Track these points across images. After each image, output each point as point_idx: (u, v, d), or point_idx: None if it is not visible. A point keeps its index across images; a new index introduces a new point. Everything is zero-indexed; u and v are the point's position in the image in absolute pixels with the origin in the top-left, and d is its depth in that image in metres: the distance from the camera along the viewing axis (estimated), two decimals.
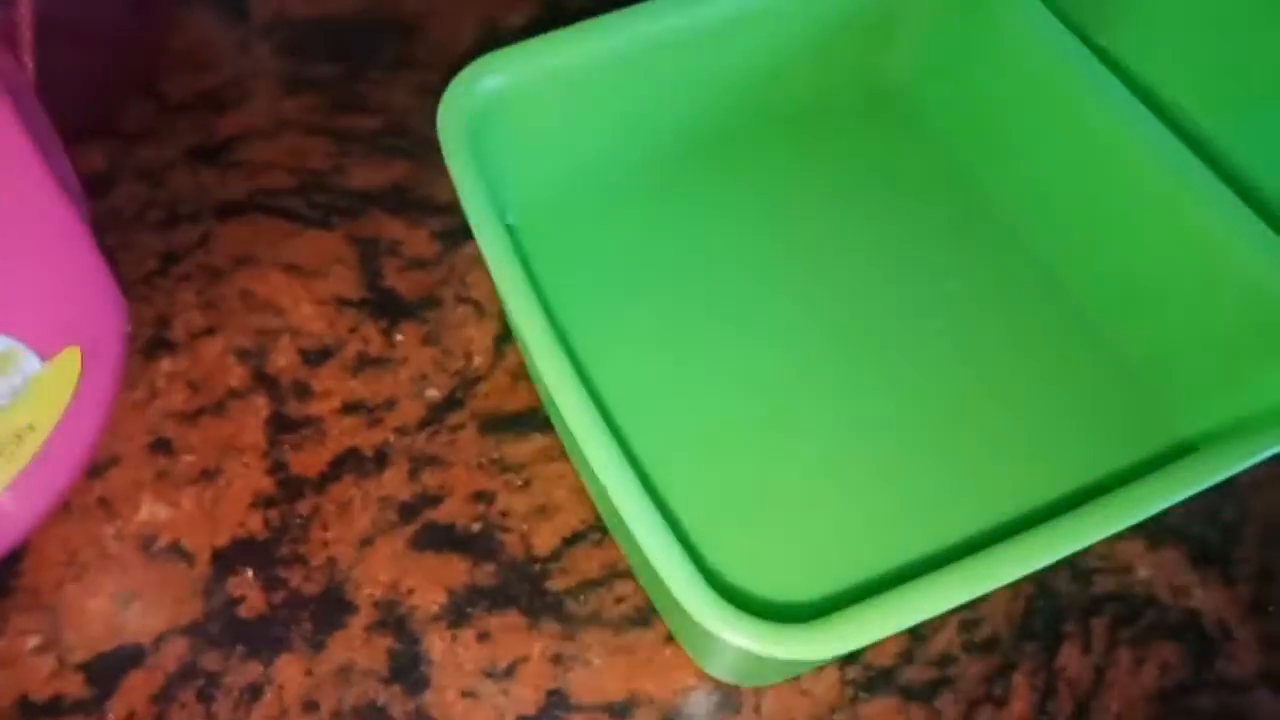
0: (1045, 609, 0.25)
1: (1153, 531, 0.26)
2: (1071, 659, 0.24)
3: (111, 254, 0.29)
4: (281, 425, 0.26)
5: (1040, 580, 0.25)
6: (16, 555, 0.24)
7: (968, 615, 0.25)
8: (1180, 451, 0.25)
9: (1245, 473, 0.26)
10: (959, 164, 0.30)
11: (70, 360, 0.22)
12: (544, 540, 0.25)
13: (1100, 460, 0.25)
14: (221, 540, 0.25)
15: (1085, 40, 0.27)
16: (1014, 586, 0.25)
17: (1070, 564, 0.25)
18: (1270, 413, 0.23)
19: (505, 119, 0.26)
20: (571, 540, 0.25)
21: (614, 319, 0.27)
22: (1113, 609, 0.25)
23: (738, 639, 0.18)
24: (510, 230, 0.27)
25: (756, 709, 0.23)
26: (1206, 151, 0.27)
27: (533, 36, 0.26)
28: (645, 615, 0.24)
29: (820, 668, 0.24)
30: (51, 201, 0.21)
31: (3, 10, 0.22)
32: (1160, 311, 0.26)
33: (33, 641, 0.23)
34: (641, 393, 0.26)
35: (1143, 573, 0.25)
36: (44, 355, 0.21)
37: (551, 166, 0.28)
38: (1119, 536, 0.26)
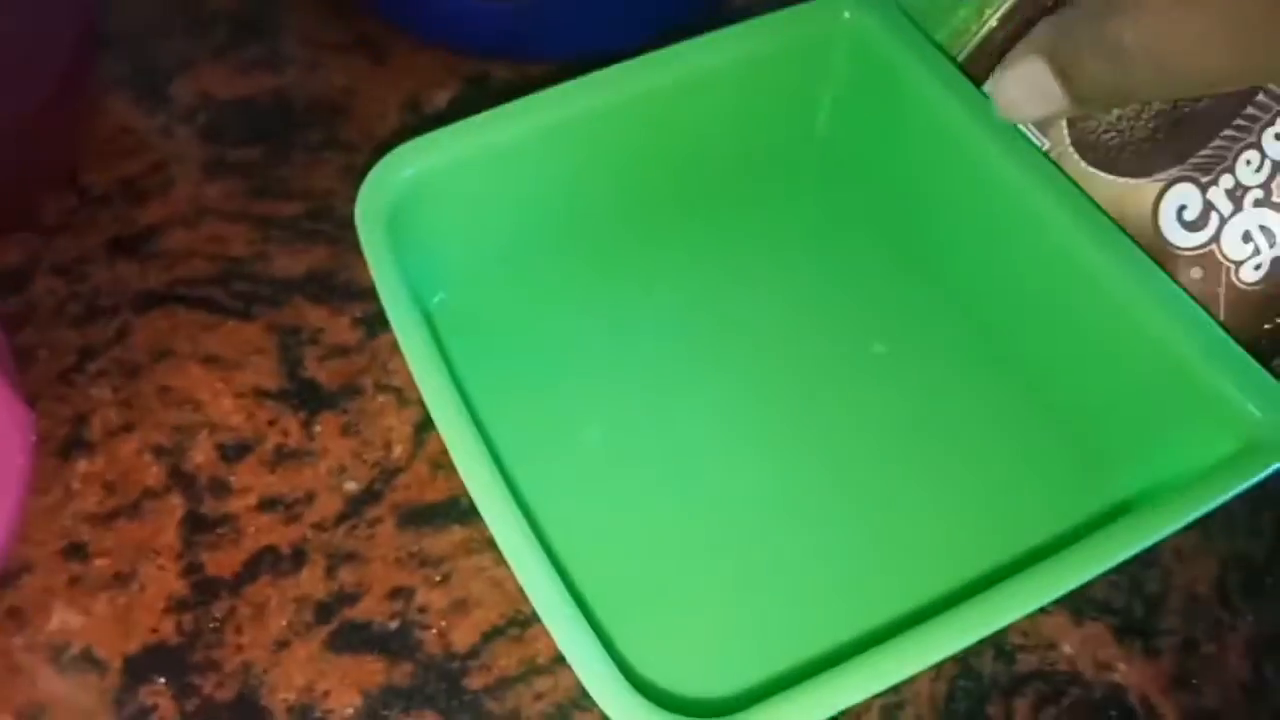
0: (968, 690, 0.25)
1: (1077, 604, 0.26)
2: None
3: (28, 353, 0.29)
4: (197, 525, 0.26)
5: (963, 660, 0.25)
6: None
7: (890, 699, 0.24)
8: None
9: (1169, 542, 0.26)
10: (887, 226, 0.30)
11: None
12: (462, 636, 0.25)
13: (1038, 528, 0.25)
14: (134, 647, 0.24)
15: None
16: (937, 666, 0.25)
17: (993, 642, 0.25)
18: (1196, 474, 0.23)
19: (426, 205, 0.26)
20: (490, 635, 0.25)
21: (536, 404, 0.27)
22: (1036, 688, 0.25)
23: None
24: (439, 308, 0.27)
25: None
26: None
27: (452, 119, 0.26)
28: (566, 711, 0.24)
29: None
30: None
31: None
32: (1086, 370, 0.26)
33: None
34: (561, 480, 0.26)
35: (1066, 648, 0.25)
36: None
37: (476, 247, 0.28)
38: (1043, 610, 0.26)
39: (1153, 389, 0.25)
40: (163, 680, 0.24)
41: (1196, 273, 0.24)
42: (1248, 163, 0.24)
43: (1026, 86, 0.23)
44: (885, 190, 0.30)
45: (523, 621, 0.25)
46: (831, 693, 0.19)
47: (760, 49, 0.29)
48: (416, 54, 0.35)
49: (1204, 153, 0.25)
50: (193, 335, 0.29)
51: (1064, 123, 0.26)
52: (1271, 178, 0.24)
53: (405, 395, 0.28)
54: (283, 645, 0.25)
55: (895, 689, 0.24)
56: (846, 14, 0.29)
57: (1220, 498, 0.22)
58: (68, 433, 0.27)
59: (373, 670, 0.24)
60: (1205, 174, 0.24)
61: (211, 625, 0.25)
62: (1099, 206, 0.25)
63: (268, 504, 0.26)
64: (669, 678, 0.23)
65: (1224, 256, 0.24)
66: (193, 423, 0.28)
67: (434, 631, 0.25)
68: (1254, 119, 0.24)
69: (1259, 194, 0.24)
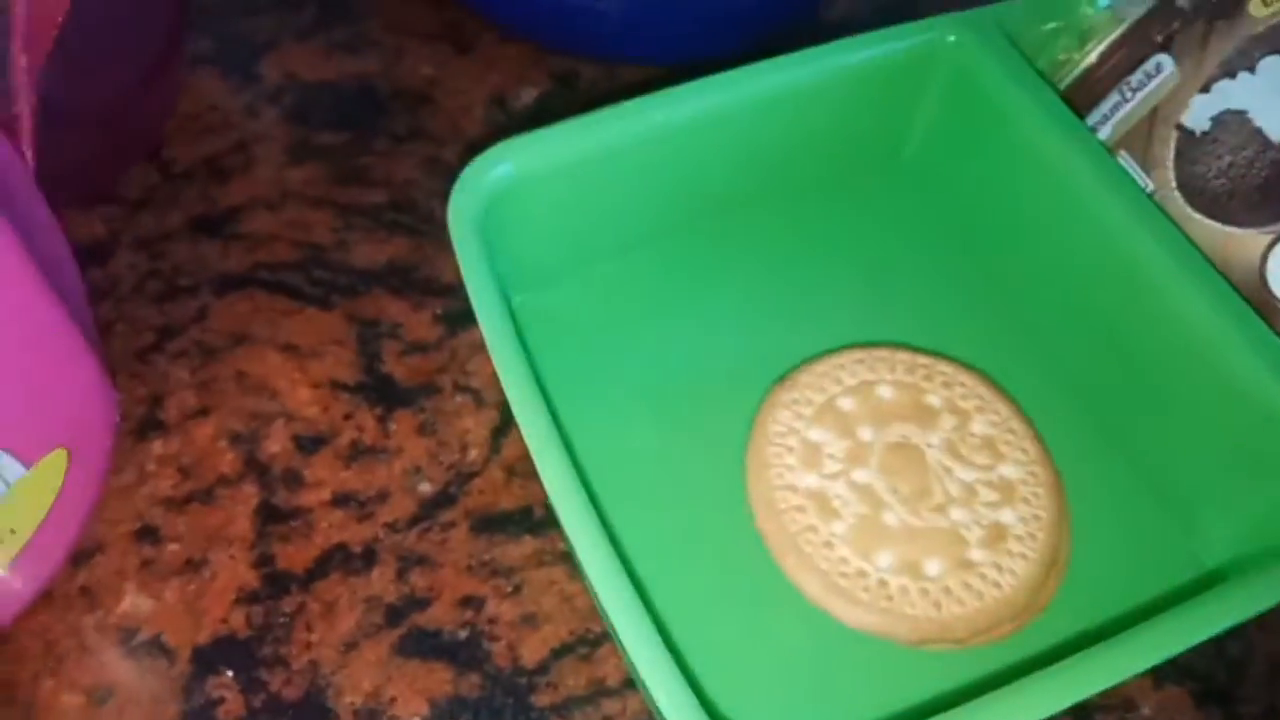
0: None
1: (1157, 668, 0.25)
2: None
3: (107, 327, 0.29)
4: (270, 516, 0.26)
5: None
6: None
7: None
8: (1207, 583, 0.25)
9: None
10: (970, 252, 0.30)
11: (56, 462, 0.22)
12: (531, 651, 0.24)
13: (1121, 590, 0.25)
14: (203, 637, 0.24)
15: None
16: None
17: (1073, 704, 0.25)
18: None
19: (515, 206, 0.25)
20: (560, 652, 0.25)
21: (614, 409, 0.26)
22: None
23: None
24: (519, 308, 0.27)
25: None
26: None
27: (539, 117, 0.26)
28: None
29: None
30: (45, 314, 0.20)
31: (4, 104, 0.22)
32: (1174, 419, 0.26)
33: None
34: (643, 488, 0.25)
35: (1146, 711, 0.25)
36: (28, 461, 0.21)
37: (558, 249, 0.28)
38: None
39: (1247, 444, 0.24)
40: (230, 673, 0.24)
41: None
42: None
43: None
44: (970, 217, 0.30)
45: (593, 641, 0.25)
46: None
47: (860, 66, 0.28)
48: (503, 46, 0.35)
49: None
50: (272, 320, 0.29)
51: (1171, 164, 0.25)
52: None
53: (483, 397, 0.28)
54: (351, 646, 0.24)
55: None
56: (951, 37, 0.28)
57: None
58: (144, 413, 0.27)
59: (441, 679, 0.24)
60: None
61: (281, 620, 0.25)
62: (1201, 252, 0.25)
63: (341, 500, 0.26)
64: (738, 704, 0.23)
65: None
66: (269, 411, 0.27)
67: (503, 644, 0.25)
68: None
69: None
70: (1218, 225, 0.25)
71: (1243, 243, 0.24)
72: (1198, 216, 0.25)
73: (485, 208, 0.25)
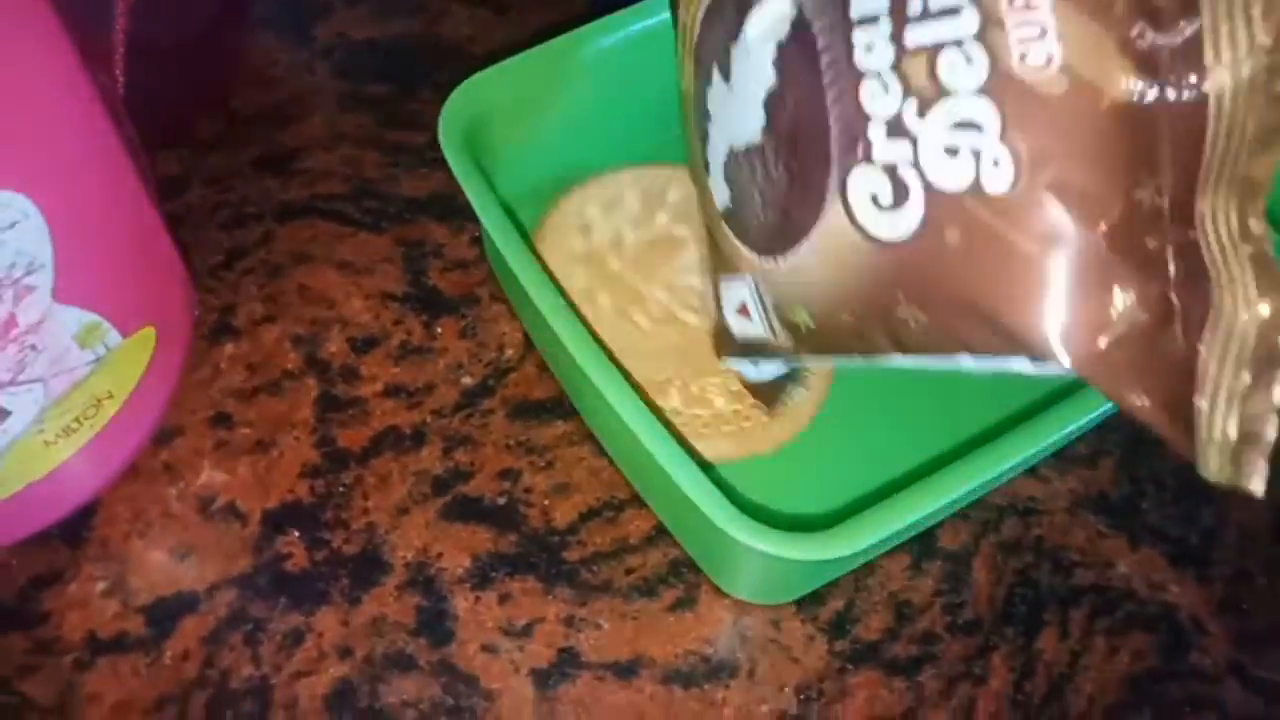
0: (1026, 597, 0.27)
1: (1134, 530, 0.28)
2: (1049, 644, 0.26)
3: (184, 248, 0.32)
4: (330, 404, 0.29)
5: (1022, 570, 0.27)
6: (89, 511, 0.27)
7: (952, 598, 0.26)
8: None
9: None
10: None
11: (146, 338, 0.25)
12: (562, 515, 0.27)
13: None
14: (272, 504, 0.27)
15: None
16: (998, 575, 0.27)
17: (1052, 557, 0.27)
18: None
19: (497, 128, 0.29)
20: (587, 516, 0.27)
21: None
22: (1091, 600, 0.27)
23: (764, 546, 0.21)
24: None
25: (750, 674, 0.25)
26: None
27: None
28: (652, 586, 0.26)
29: (810, 639, 0.26)
30: (137, 199, 0.24)
31: (100, 33, 0.25)
32: None
33: (100, 586, 0.26)
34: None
35: (1122, 568, 0.27)
36: (124, 332, 0.24)
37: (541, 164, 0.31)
38: (1100, 533, 0.28)
39: None
40: (296, 533, 0.27)
41: (953, 235, 0.19)
42: (872, 95, 0.19)
43: None
44: None
45: (617, 505, 0.27)
46: (896, 513, 0.22)
47: None
48: (537, 9, 0.38)
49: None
50: (328, 243, 0.32)
51: None
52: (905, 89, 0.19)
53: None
54: (403, 511, 0.27)
55: (956, 588, 0.26)
56: None
57: None
58: (216, 319, 0.30)
59: (482, 539, 0.27)
60: (850, 154, 0.20)
61: (340, 489, 0.28)
62: None
63: (393, 391, 0.29)
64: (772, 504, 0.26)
65: (939, 190, 0.19)
66: (327, 318, 0.31)
67: (537, 509, 0.27)
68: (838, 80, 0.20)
69: (911, 116, 0.19)
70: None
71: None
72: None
73: (470, 127, 0.28)
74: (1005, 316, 0.18)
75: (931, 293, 0.19)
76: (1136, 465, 0.29)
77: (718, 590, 0.26)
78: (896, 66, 0.19)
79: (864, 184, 0.20)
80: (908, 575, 0.27)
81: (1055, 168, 0.18)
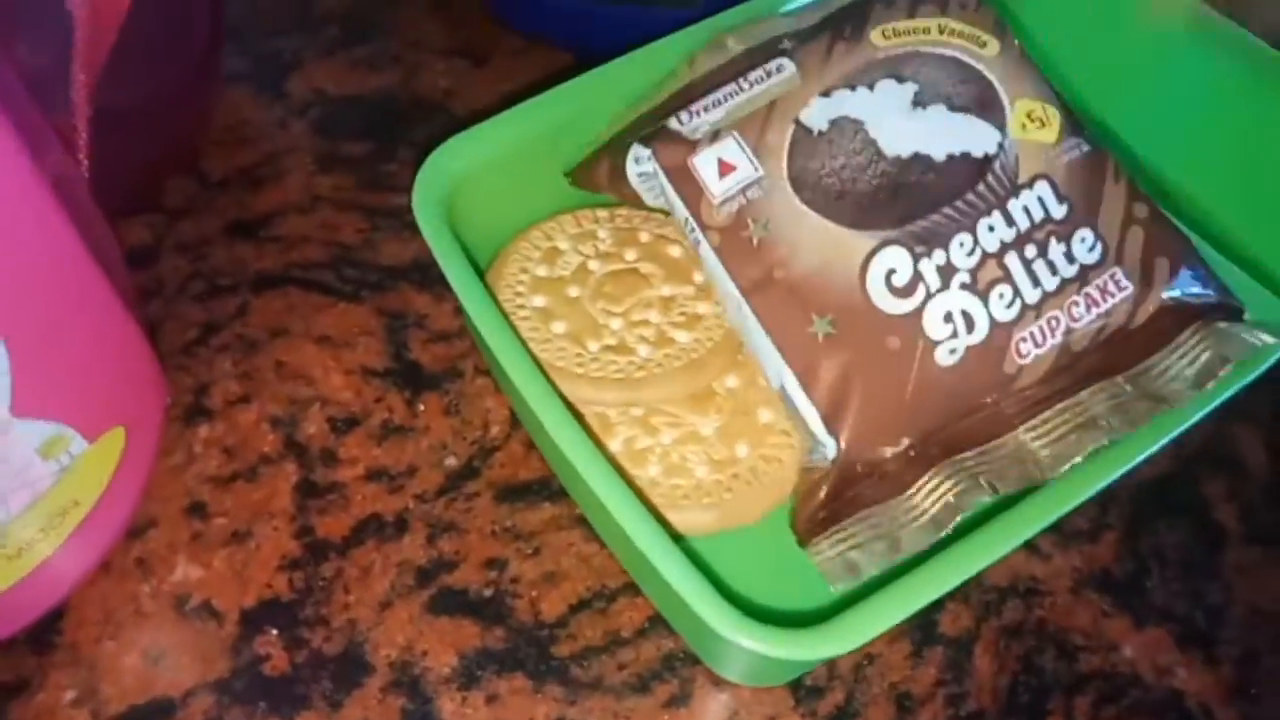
0: (1030, 685, 0.26)
1: (1139, 610, 0.27)
2: None
3: (155, 325, 0.31)
4: (309, 491, 0.28)
5: (1025, 656, 0.26)
6: (57, 614, 0.26)
7: (954, 688, 0.26)
8: None
9: (1232, 557, 0.27)
10: None
11: (114, 439, 0.24)
12: (551, 606, 0.26)
13: None
14: (250, 600, 0.26)
15: None
16: (1001, 662, 0.26)
17: (1056, 640, 0.26)
18: None
19: (472, 189, 0.28)
20: (577, 607, 0.26)
21: None
22: (1097, 686, 0.26)
23: (752, 644, 0.20)
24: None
25: None
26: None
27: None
28: (645, 681, 0.25)
29: None
30: (102, 301, 0.22)
31: (62, 113, 0.24)
32: None
33: (69, 695, 0.25)
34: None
35: (1128, 651, 0.26)
36: (91, 437, 0.23)
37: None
38: (1105, 613, 0.27)
39: None
40: (275, 632, 0.26)
41: (894, 342, 0.23)
42: (960, 244, 0.24)
43: None
44: None
45: (608, 595, 0.27)
46: (896, 603, 0.21)
47: None
48: (516, 59, 0.37)
49: (922, 222, 0.24)
50: (306, 315, 0.31)
51: (785, 154, 0.25)
52: (980, 265, 0.23)
53: None
54: (386, 605, 0.26)
55: (959, 679, 0.26)
56: None
57: None
58: (191, 401, 0.29)
59: (468, 633, 0.26)
60: (921, 244, 0.24)
61: (321, 583, 0.27)
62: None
63: (374, 474, 0.28)
64: (761, 596, 0.25)
65: (924, 332, 0.23)
66: (306, 397, 0.30)
67: (525, 601, 0.26)
68: (973, 205, 0.24)
69: (966, 278, 0.23)
70: (827, 222, 0.24)
71: (848, 244, 0.24)
72: (805, 210, 0.24)
73: (449, 194, 0.27)
74: None
75: None
76: (1139, 539, 0.28)
77: (713, 683, 0.25)
78: None
79: None
80: (908, 664, 0.26)
81: None
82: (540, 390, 0.23)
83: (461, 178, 0.28)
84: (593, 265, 0.29)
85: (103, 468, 0.24)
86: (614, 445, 0.26)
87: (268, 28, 0.38)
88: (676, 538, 0.22)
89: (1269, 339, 0.23)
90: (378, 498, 0.28)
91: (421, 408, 0.29)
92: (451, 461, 0.29)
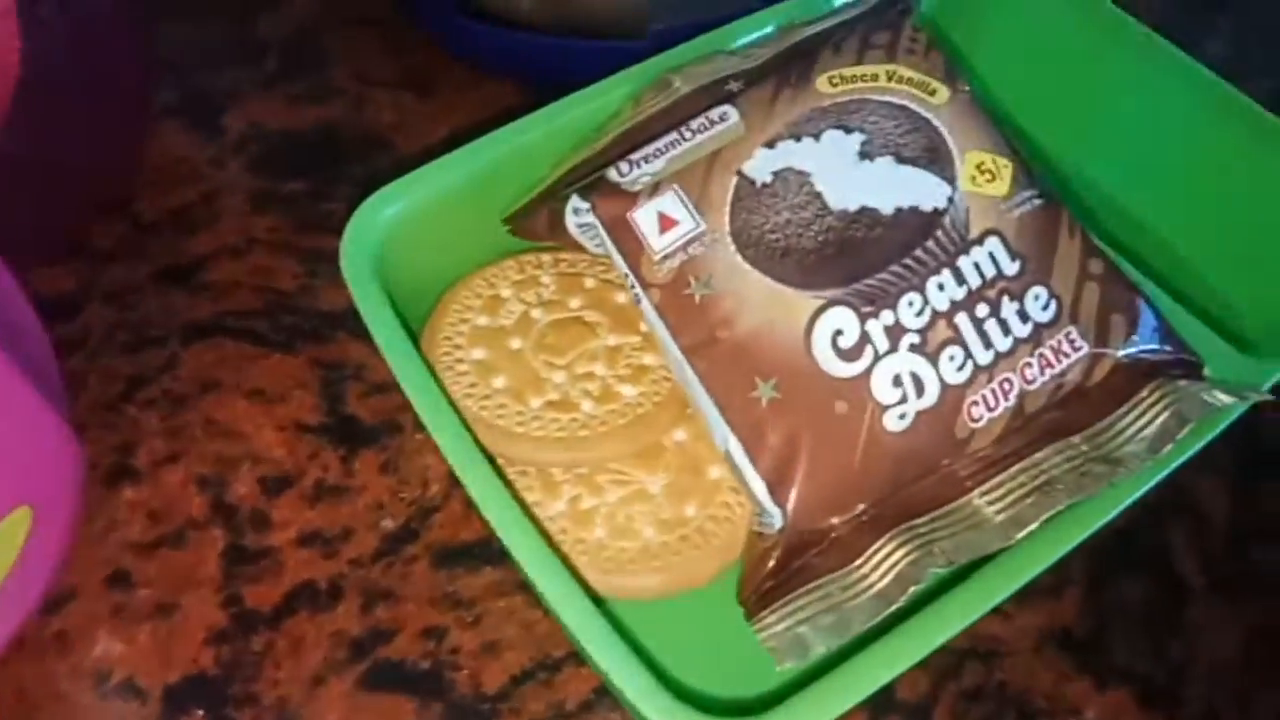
0: None
1: (1100, 670, 0.26)
2: None
3: (78, 379, 0.29)
4: (238, 557, 0.27)
5: None
6: None
7: None
8: None
9: (1193, 613, 0.26)
10: None
11: (20, 519, 0.22)
12: (492, 679, 0.25)
13: None
14: (174, 677, 0.25)
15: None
16: None
17: (1017, 704, 0.26)
18: None
19: (410, 234, 0.27)
20: (520, 679, 0.25)
21: None
22: None
23: None
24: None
25: None
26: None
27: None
28: None
29: None
30: (4, 383, 0.21)
31: None
32: None
33: None
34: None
35: (1090, 715, 0.26)
36: None
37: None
38: (1066, 675, 0.26)
39: None
40: (201, 712, 0.25)
41: (841, 407, 0.22)
42: (910, 304, 0.23)
43: None
44: None
45: (552, 665, 0.25)
46: (843, 689, 0.20)
47: None
48: (462, 91, 0.36)
49: (869, 281, 0.23)
50: (238, 367, 0.30)
51: (728, 208, 0.24)
52: (929, 326, 0.22)
53: None
54: (318, 681, 0.25)
55: None
56: None
57: None
58: (115, 461, 0.28)
59: (405, 710, 0.25)
60: (868, 303, 0.23)
61: (250, 658, 0.25)
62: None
63: (307, 538, 0.27)
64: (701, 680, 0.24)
65: (872, 396, 0.22)
66: (236, 455, 0.28)
67: (465, 673, 0.25)
68: (922, 262, 0.23)
69: (915, 339, 0.22)
70: (768, 281, 0.23)
71: (791, 303, 0.23)
72: (748, 268, 0.23)
73: (379, 247, 0.26)
74: None
75: None
76: (1100, 594, 0.27)
77: None
78: None
79: None
80: None
81: None
82: (466, 454, 0.22)
83: (398, 223, 0.26)
84: (535, 314, 0.28)
85: (6, 550, 0.22)
86: (559, 505, 0.25)
87: (203, 59, 0.37)
88: (622, 601, 0.21)
89: (1226, 399, 0.22)
90: (311, 563, 0.27)
91: (357, 465, 0.28)
92: (388, 523, 0.27)
